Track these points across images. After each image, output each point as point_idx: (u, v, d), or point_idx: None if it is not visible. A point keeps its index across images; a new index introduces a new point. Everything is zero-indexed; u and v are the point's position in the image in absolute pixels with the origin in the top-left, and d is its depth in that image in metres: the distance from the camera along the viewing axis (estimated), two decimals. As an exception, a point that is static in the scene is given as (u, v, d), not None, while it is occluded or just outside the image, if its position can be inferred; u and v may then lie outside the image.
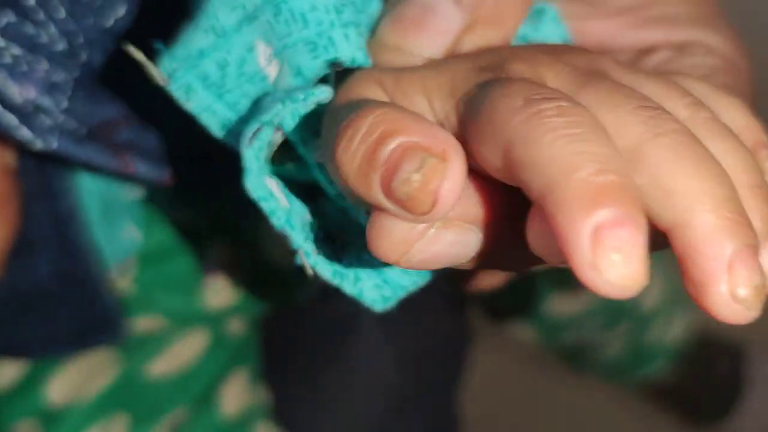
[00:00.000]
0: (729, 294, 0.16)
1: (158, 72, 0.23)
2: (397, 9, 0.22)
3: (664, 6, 0.26)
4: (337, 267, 0.23)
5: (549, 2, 0.26)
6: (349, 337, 0.49)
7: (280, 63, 0.22)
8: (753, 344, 0.78)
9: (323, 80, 0.23)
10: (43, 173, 0.34)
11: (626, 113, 0.17)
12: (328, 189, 0.23)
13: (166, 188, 0.32)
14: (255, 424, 0.45)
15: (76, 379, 0.40)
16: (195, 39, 0.22)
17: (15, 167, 0.33)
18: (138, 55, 0.22)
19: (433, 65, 0.21)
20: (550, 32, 0.26)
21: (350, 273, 0.23)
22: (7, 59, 0.27)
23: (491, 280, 0.26)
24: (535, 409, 0.83)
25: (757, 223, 0.17)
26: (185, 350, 0.42)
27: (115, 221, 0.37)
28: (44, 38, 0.28)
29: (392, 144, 0.17)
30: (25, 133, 0.28)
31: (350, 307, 0.49)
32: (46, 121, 0.28)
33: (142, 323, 0.41)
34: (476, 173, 0.19)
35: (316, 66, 0.22)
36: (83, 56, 0.29)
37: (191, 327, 0.42)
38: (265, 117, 0.21)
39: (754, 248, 0.16)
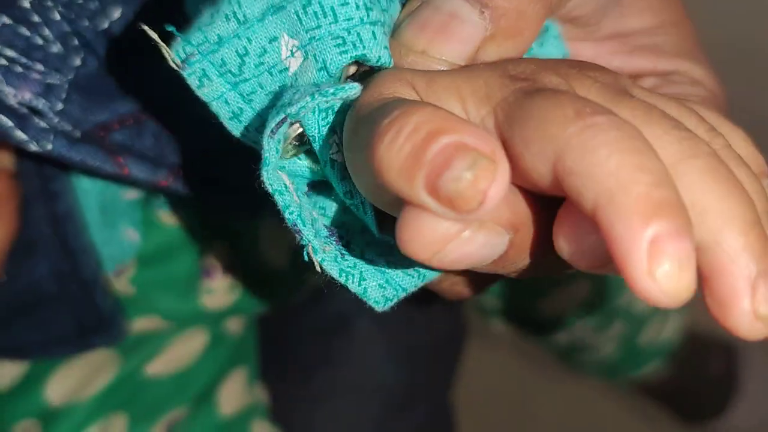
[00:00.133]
0: (752, 311, 0.17)
1: (173, 56, 0.22)
2: (421, 14, 0.22)
3: (652, 35, 0.27)
4: (344, 266, 0.23)
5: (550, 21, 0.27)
6: (345, 337, 0.49)
7: (305, 56, 0.22)
8: (746, 343, 0.78)
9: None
10: (41, 175, 0.34)
11: (663, 132, 0.18)
12: (338, 186, 0.23)
13: (162, 190, 0.32)
14: (252, 424, 0.46)
15: (75, 380, 0.40)
16: (215, 25, 0.22)
17: (13, 169, 0.33)
18: (154, 36, 0.22)
19: (463, 71, 0.21)
20: (553, 49, 0.27)
21: (356, 272, 0.23)
22: (2, 61, 0.27)
23: (473, 287, 0.26)
24: (529, 408, 0.84)
25: None
26: (183, 350, 0.43)
27: (114, 223, 0.37)
28: (39, 41, 0.28)
29: (441, 142, 0.17)
30: (19, 135, 0.28)
31: (346, 308, 0.50)
32: (41, 123, 0.28)
33: (141, 324, 0.41)
34: None
35: (342, 62, 0.22)
36: (78, 59, 0.29)
37: (189, 327, 0.43)
38: (292, 109, 0.21)
39: None
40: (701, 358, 0.78)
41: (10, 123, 0.28)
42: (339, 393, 0.49)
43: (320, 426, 0.49)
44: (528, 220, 0.20)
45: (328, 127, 0.22)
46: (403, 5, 0.24)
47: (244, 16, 0.22)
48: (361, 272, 0.23)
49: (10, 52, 0.28)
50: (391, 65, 0.23)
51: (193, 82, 0.22)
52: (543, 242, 0.20)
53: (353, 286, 0.23)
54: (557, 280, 0.63)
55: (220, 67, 0.22)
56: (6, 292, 0.35)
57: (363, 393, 0.49)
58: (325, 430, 0.49)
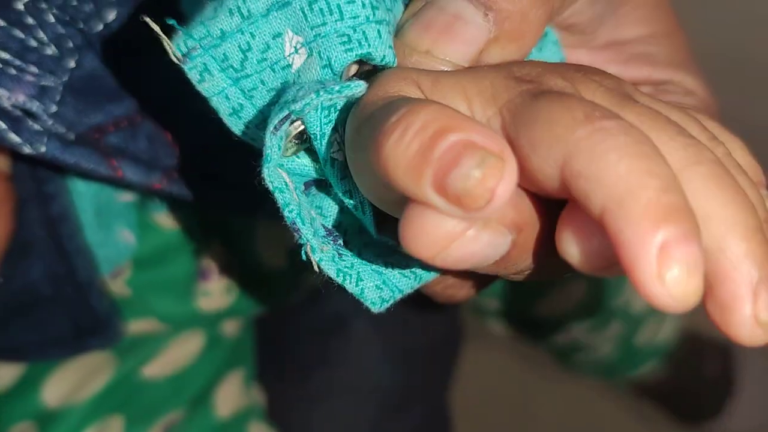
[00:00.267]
0: (753, 317, 0.17)
1: (174, 50, 0.22)
2: (425, 14, 0.23)
3: (647, 46, 0.27)
4: (341, 266, 0.23)
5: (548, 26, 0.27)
6: (342, 337, 0.49)
7: (309, 53, 0.22)
8: (743, 344, 0.77)
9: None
10: (36, 177, 0.34)
11: (669, 138, 0.18)
12: (337, 186, 0.23)
13: (156, 193, 0.32)
14: (249, 426, 0.46)
15: (71, 382, 0.40)
16: (218, 19, 0.22)
17: (8, 172, 0.33)
18: (156, 29, 0.22)
19: (468, 71, 0.21)
20: (551, 54, 0.27)
21: (353, 272, 0.23)
22: None
23: (466, 291, 0.26)
24: (527, 409, 0.83)
25: None
26: (180, 352, 0.43)
27: (109, 225, 0.37)
28: (33, 43, 0.28)
29: (450, 140, 0.17)
30: (12, 137, 0.28)
31: (343, 308, 0.50)
32: (35, 125, 0.28)
33: (137, 326, 0.41)
34: None
35: (347, 59, 0.22)
36: (73, 61, 0.29)
37: (186, 329, 0.43)
38: (296, 106, 0.21)
39: None
40: (698, 359, 0.78)
41: (3, 126, 0.28)
42: (336, 393, 0.49)
43: (317, 426, 0.49)
44: (532, 220, 0.20)
45: (330, 125, 0.22)
46: (407, 5, 0.24)
47: (249, 10, 0.22)
48: (359, 273, 0.23)
49: (3, 55, 0.27)
50: (394, 65, 0.23)
51: (194, 76, 0.22)
52: (545, 244, 0.20)
53: (350, 287, 0.23)
54: (554, 280, 0.63)
55: (221, 62, 0.22)
56: (2, 293, 0.35)
57: (360, 394, 0.49)
58: (322, 431, 0.49)
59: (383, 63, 0.22)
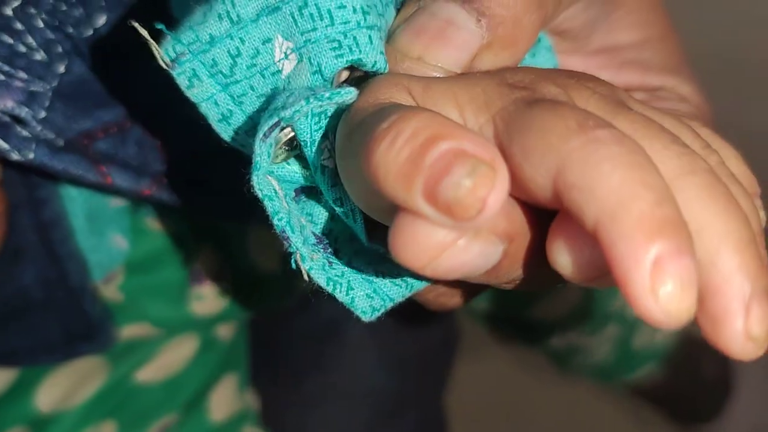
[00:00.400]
0: (744, 331, 0.17)
1: (162, 55, 0.22)
2: (417, 20, 0.22)
3: (640, 51, 0.27)
4: (331, 275, 0.23)
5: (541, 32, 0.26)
6: (337, 342, 0.49)
7: (299, 59, 0.22)
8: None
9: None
10: (27, 182, 0.34)
11: (662, 147, 0.18)
12: (328, 193, 0.22)
13: (145, 199, 0.32)
14: (243, 430, 0.45)
15: (64, 387, 0.40)
16: (207, 24, 0.21)
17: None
18: (144, 34, 0.22)
19: (460, 78, 0.21)
20: (544, 60, 0.27)
21: (344, 281, 0.23)
22: None
23: (458, 298, 0.26)
24: (523, 413, 0.83)
25: None
26: (173, 357, 0.42)
27: (102, 230, 0.37)
28: (22, 48, 0.28)
29: (441, 148, 0.16)
30: (0, 144, 0.28)
31: (338, 313, 0.50)
32: (23, 131, 0.28)
33: (130, 331, 0.40)
34: None
35: (337, 65, 0.22)
36: (62, 66, 0.29)
37: (179, 334, 0.42)
38: (286, 113, 0.21)
39: None
40: (696, 362, 0.78)
41: None
42: (330, 399, 0.49)
43: (312, 431, 0.49)
44: (523, 230, 0.19)
45: (320, 132, 0.22)
46: (398, 10, 0.23)
47: (238, 15, 0.21)
48: (349, 281, 0.23)
49: None
50: (386, 71, 0.22)
51: (182, 82, 0.22)
52: (537, 253, 0.20)
53: (341, 296, 0.23)
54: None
55: (210, 68, 0.22)
56: (-5, 298, 0.35)
57: (354, 399, 0.49)
58: (316, 436, 0.49)
59: (374, 69, 0.22)
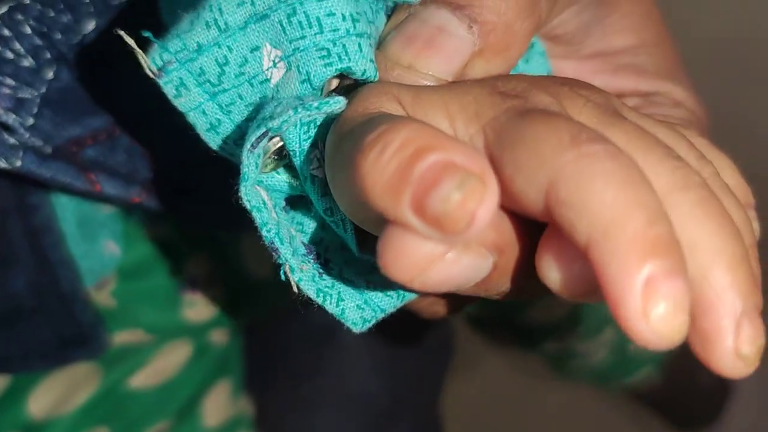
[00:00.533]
0: (733, 350, 0.17)
1: (149, 63, 0.21)
2: (408, 27, 0.22)
3: (635, 56, 0.27)
4: (321, 286, 0.22)
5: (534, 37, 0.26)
6: (332, 346, 0.49)
7: (288, 67, 0.22)
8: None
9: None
10: (18, 188, 0.34)
11: (657, 161, 0.18)
12: (318, 203, 0.22)
13: (135, 206, 0.32)
14: None
15: (57, 393, 0.40)
16: (194, 32, 0.21)
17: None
18: (130, 42, 0.21)
19: (451, 86, 0.21)
20: (537, 66, 0.26)
21: (334, 292, 0.23)
22: None
23: (450, 307, 0.26)
24: (520, 417, 0.83)
25: None
26: (167, 363, 0.42)
27: (93, 236, 0.37)
28: (10, 55, 0.28)
29: (429, 160, 0.16)
30: None
31: (333, 318, 0.49)
32: (10, 139, 0.28)
33: (123, 337, 0.40)
34: None
35: (326, 74, 0.22)
36: (50, 72, 0.28)
37: (172, 340, 0.42)
38: (274, 123, 0.20)
39: (760, 309, 0.17)
40: (692, 366, 0.78)
41: None
42: (326, 403, 0.49)
43: (307, 436, 0.49)
44: (513, 242, 0.19)
45: (309, 141, 0.21)
46: (389, 17, 0.23)
47: (226, 23, 0.21)
48: (339, 292, 0.23)
49: None
50: (376, 79, 0.22)
51: (169, 91, 0.22)
52: (527, 265, 0.19)
53: (331, 307, 0.23)
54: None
55: (198, 77, 0.22)
56: (-14, 305, 0.35)
57: (350, 404, 0.49)
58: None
59: (364, 77, 0.22)
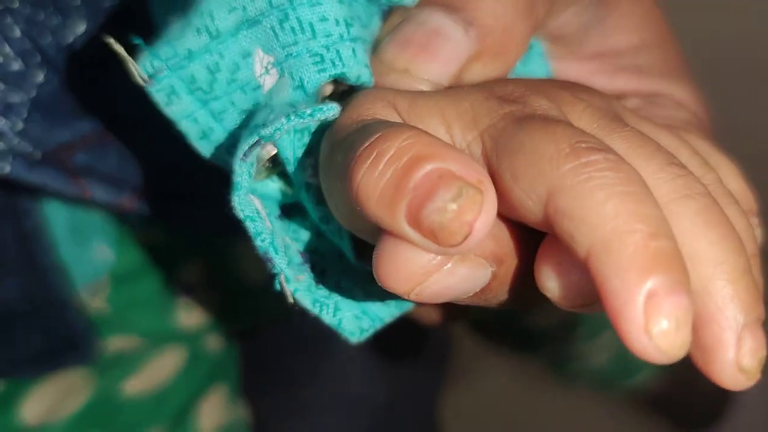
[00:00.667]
0: (735, 363, 0.17)
1: (139, 71, 0.21)
2: (403, 31, 0.22)
3: (635, 56, 0.26)
4: (318, 296, 0.22)
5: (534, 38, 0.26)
6: (329, 353, 0.49)
7: (281, 73, 0.21)
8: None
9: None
10: (8, 193, 0.33)
11: (659, 169, 0.17)
12: (313, 211, 0.22)
13: (126, 212, 0.32)
14: None
15: (50, 399, 0.39)
16: (185, 38, 0.21)
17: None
18: (119, 50, 0.21)
19: (448, 92, 0.20)
20: (536, 67, 0.26)
21: (330, 303, 0.22)
22: None
23: (449, 316, 0.25)
24: (521, 420, 0.83)
25: None
26: (161, 368, 0.42)
27: (85, 241, 0.37)
28: None
29: (425, 169, 0.16)
30: None
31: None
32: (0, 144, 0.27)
33: (117, 343, 0.40)
34: None
35: (320, 80, 0.21)
36: (40, 76, 0.28)
37: (166, 345, 0.42)
38: (266, 131, 0.20)
39: (762, 322, 0.17)
40: (694, 369, 0.78)
41: None
42: (325, 407, 0.49)
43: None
44: (512, 252, 0.19)
45: (303, 149, 0.21)
46: (384, 21, 0.23)
47: (217, 29, 0.21)
48: (336, 302, 0.22)
49: None
50: (371, 84, 0.22)
51: (160, 99, 0.21)
52: (526, 275, 0.19)
53: (327, 317, 0.22)
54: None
55: (189, 84, 0.21)
56: (-24, 311, 0.35)
57: (349, 408, 0.49)
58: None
59: (359, 83, 0.21)
